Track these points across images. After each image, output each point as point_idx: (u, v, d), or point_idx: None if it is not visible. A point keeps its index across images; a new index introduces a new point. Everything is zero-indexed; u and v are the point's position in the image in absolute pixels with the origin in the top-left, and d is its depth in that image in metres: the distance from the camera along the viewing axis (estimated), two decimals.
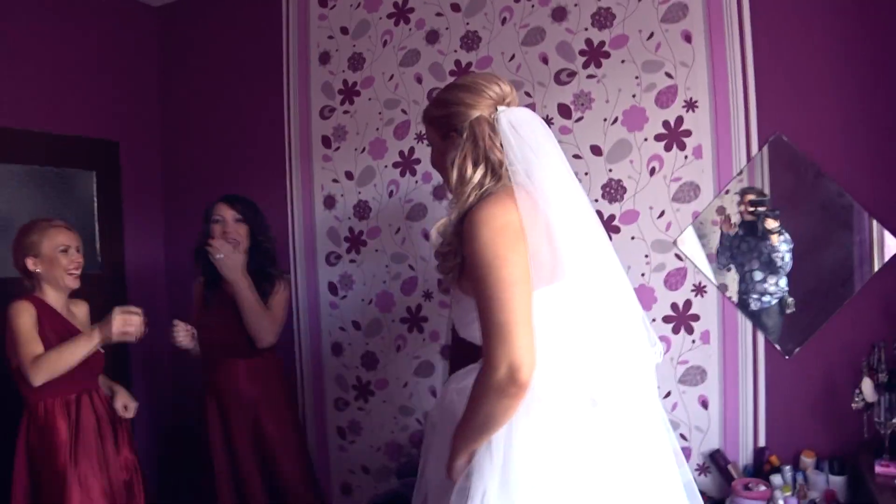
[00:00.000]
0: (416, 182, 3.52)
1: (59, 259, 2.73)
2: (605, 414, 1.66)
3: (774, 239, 2.99)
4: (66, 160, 3.68)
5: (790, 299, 2.99)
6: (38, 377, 2.56)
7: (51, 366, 2.58)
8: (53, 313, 2.77)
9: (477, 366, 1.66)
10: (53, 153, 3.58)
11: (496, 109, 1.73)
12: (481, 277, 1.56)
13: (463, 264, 1.69)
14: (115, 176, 3.95)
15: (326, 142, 3.77)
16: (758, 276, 3.03)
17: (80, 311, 2.96)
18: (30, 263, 2.71)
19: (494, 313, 1.53)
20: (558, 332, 1.61)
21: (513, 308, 1.52)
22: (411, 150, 3.55)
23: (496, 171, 1.70)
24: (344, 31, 3.71)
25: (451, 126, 1.76)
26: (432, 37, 3.52)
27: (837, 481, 2.80)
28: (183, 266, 4.11)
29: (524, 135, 1.69)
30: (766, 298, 3.04)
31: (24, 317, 2.64)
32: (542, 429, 1.62)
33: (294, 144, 3.86)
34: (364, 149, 3.68)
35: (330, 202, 3.78)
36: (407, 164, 3.57)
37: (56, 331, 2.72)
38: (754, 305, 3.05)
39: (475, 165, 1.69)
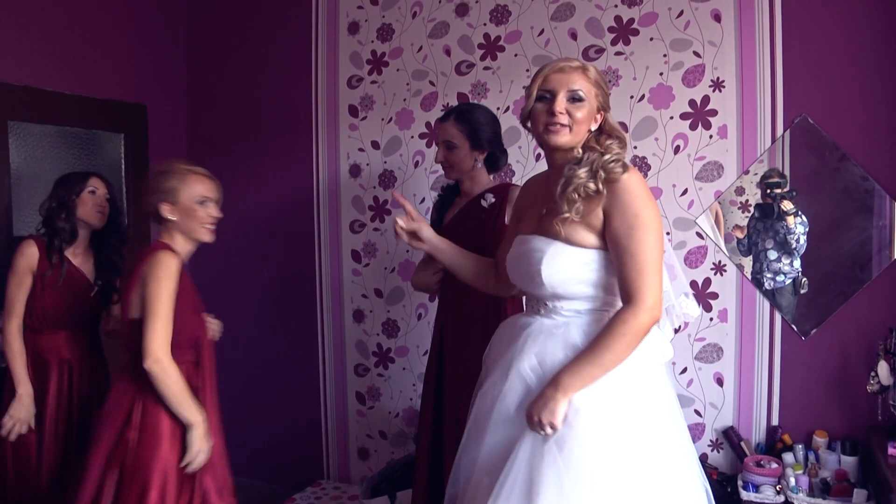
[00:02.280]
0: None
1: (197, 210, 2.42)
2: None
3: (790, 220, 3.02)
4: (96, 122, 3.73)
5: (804, 279, 3.02)
6: (164, 372, 2.24)
7: (172, 381, 2.26)
8: (184, 269, 2.46)
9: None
10: (84, 115, 3.63)
11: None
12: (640, 227, 1.80)
13: (586, 219, 1.88)
14: (143, 138, 4.00)
15: (353, 111, 3.80)
16: (772, 255, 3.07)
17: None
18: (165, 210, 2.39)
19: (643, 254, 1.79)
20: None
21: (657, 253, 1.83)
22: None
23: (621, 156, 1.92)
24: (373, 1, 3.72)
25: (602, 107, 1.94)
26: (462, 9, 3.53)
27: (849, 462, 2.85)
28: None
29: None
30: (779, 278, 3.07)
31: (173, 279, 2.30)
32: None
33: (321, 112, 3.89)
34: (391, 119, 3.71)
35: (355, 171, 3.82)
36: (433, 135, 3.59)
37: (186, 290, 2.41)
38: (768, 284, 3.09)
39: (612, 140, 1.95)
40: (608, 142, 1.91)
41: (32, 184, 3.36)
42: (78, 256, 2.91)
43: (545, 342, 1.90)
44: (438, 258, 2.30)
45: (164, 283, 2.27)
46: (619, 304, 1.86)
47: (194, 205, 2.41)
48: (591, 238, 1.88)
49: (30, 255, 2.77)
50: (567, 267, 1.89)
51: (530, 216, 2.07)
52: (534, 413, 1.79)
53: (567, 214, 1.86)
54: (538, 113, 1.91)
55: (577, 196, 1.86)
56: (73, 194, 2.82)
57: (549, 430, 1.77)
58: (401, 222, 2.22)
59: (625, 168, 1.86)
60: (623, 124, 3.24)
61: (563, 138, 1.89)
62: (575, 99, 1.88)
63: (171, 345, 2.25)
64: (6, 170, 3.24)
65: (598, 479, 1.73)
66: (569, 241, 1.89)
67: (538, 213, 2.03)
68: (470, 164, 2.72)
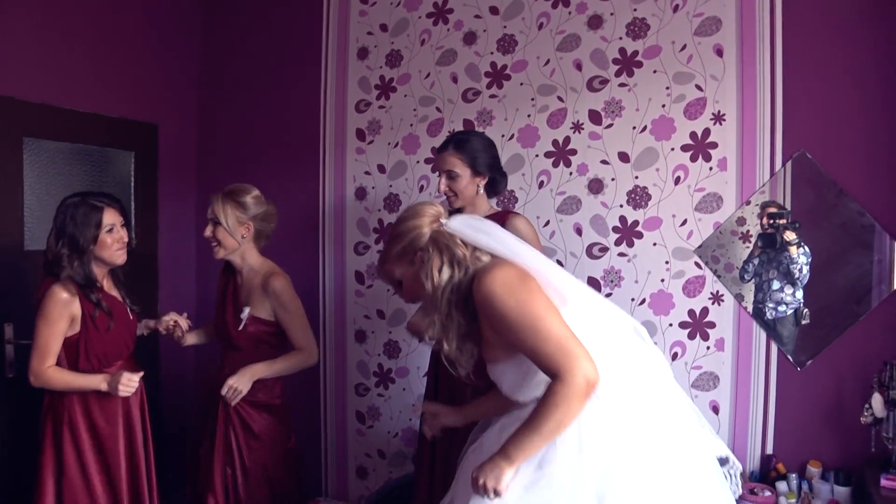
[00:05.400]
0: None
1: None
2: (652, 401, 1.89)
3: (793, 250, 3.06)
4: (108, 140, 3.78)
5: (805, 310, 3.07)
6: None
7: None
8: (228, 275, 3.01)
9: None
10: (96, 132, 3.69)
11: (440, 223, 1.96)
12: (517, 325, 1.76)
13: (484, 340, 1.93)
14: (153, 157, 4.06)
15: (361, 135, 3.87)
16: (775, 284, 3.11)
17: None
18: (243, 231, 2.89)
19: (548, 341, 1.73)
20: (585, 339, 1.78)
21: (558, 328, 1.74)
22: None
23: (462, 263, 1.90)
24: (383, 27, 3.80)
25: (414, 249, 1.95)
26: (470, 38, 3.61)
27: (842, 492, 2.88)
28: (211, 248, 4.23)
29: (478, 226, 1.97)
30: (781, 308, 3.11)
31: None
32: (609, 422, 1.82)
33: (329, 136, 3.95)
34: (397, 143, 3.78)
35: (361, 193, 3.88)
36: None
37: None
38: (770, 314, 3.13)
39: (442, 268, 1.90)
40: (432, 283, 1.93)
41: (45, 199, 3.42)
42: (110, 287, 2.83)
43: None
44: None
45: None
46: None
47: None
48: (501, 352, 1.91)
49: (65, 302, 2.59)
50: (516, 382, 1.92)
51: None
52: (479, 476, 1.80)
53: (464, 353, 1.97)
54: None
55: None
56: (89, 240, 2.63)
57: (492, 496, 1.78)
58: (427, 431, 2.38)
59: (474, 282, 1.88)
60: (625, 154, 3.30)
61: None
62: None
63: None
64: (20, 185, 3.30)
65: None
66: (495, 362, 1.95)
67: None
68: (473, 190, 2.78)
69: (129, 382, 2.58)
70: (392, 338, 3.85)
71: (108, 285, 2.80)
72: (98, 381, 2.60)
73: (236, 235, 2.84)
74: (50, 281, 2.62)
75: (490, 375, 2.00)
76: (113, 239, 2.68)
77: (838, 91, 3.01)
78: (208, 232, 2.86)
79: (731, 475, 1.95)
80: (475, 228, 1.95)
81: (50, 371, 2.59)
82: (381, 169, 3.82)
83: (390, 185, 3.80)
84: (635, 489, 1.75)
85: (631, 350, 1.93)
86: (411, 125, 3.74)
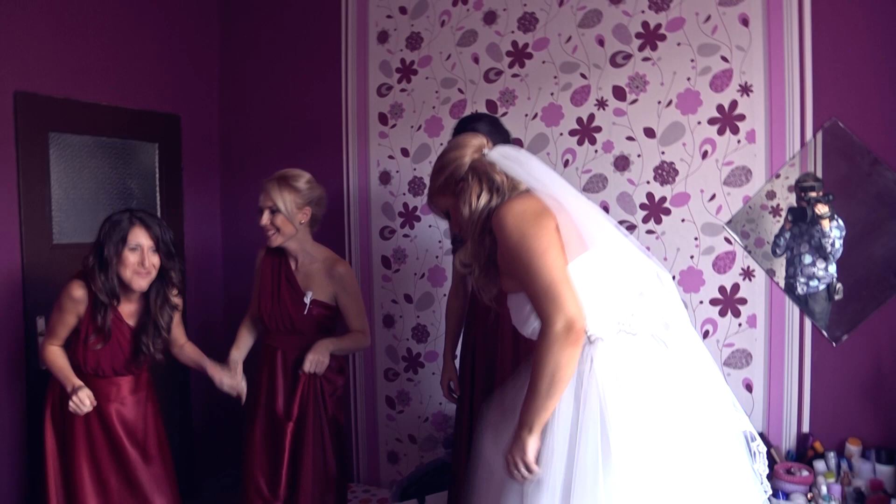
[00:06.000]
0: None
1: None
2: (667, 343, 1.87)
3: (825, 224, 2.99)
4: (132, 132, 3.80)
5: (839, 285, 3.00)
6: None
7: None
8: (279, 260, 2.98)
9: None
10: (120, 125, 3.70)
11: (482, 153, 1.98)
12: (517, 256, 1.78)
13: (497, 270, 1.94)
14: (177, 148, 4.07)
15: (383, 119, 3.85)
16: (807, 259, 3.05)
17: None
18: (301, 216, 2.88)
19: (538, 280, 1.73)
20: (601, 287, 1.81)
21: (551, 270, 1.73)
22: None
23: (501, 189, 1.92)
24: (402, 10, 3.77)
25: (455, 180, 1.98)
26: (490, 17, 3.56)
27: (885, 471, 2.81)
28: (237, 237, 4.25)
29: (515, 157, 1.97)
30: (813, 283, 3.05)
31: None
32: (617, 363, 1.79)
33: (351, 121, 3.94)
34: (420, 126, 3.75)
35: (385, 178, 3.86)
36: None
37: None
38: (801, 289, 3.07)
39: (480, 195, 1.93)
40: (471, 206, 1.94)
41: (71, 193, 3.45)
42: (132, 303, 2.72)
43: None
44: None
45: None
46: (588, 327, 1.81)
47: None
48: (513, 282, 1.89)
49: (77, 300, 2.59)
50: (523, 316, 1.91)
51: None
52: (507, 460, 1.80)
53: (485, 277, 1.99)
54: None
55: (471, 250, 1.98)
56: (114, 254, 2.56)
57: (523, 471, 1.76)
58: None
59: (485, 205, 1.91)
60: (650, 129, 3.25)
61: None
62: None
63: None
64: (47, 179, 3.32)
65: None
66: (510, 292, 1.94)
67: None
68: None
69: (80, 403, 2.52)
70: (420, 322, 3.84)
71: (128, 311, 2.70)
72: (68, 386, 2.58)
73: (295, 221, 2.82)
74: (77, 274, 2.64)
75: (509, 310, 2.01)
76: (135, 259, 2.57)
77: (870, 56, 2.93)
78: (266, 220, 2.82)
79: (758, 452, 1.90)
80: (510, 158, 1.96)
81: (50, 350, 2.65)
82: (405, 152, 3.80)
83: (414, 169, 3.78)
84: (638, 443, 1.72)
85: (648, 304, 1.89)
86: (434, 107, 3.71)
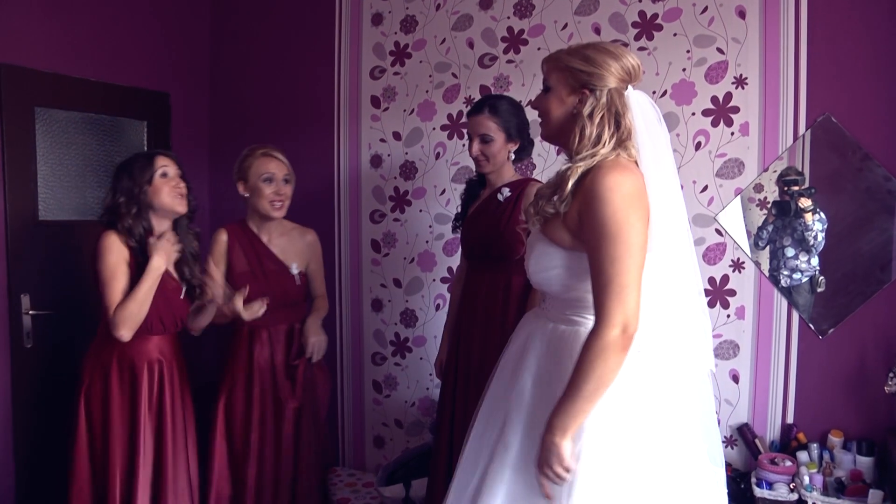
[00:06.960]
0: (464, 145, 3.56)
1: (262, 188, 2.89)
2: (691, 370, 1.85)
3: (808, 217, 3.01)
4: (120, 109, 3.75)
5: (821, 278, 3.02)
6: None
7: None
8: (249, 239, 3.00)
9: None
10: (108, 102, 3.65)
11: (627, 87, 1.78)
12: (608, 237, 1.64)
13: (566, 217, 1.78)
14: (165, 126, 4.02)
15: (376, 102, 3.82)
16: (790, 252, 3.07)
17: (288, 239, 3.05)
18: (240, 188, 2.93)
19: (618, 275, 1.63)
20: (648, 296, 1.71)
21: (632, 270, 1.64)
22: (459, 113, 3.59)
23: (623, 141, 1.77)
24: None
25: (586, 84, 1.79)
26: (486, 2, 3.53)
27: (865, 462, 2.85)
28: (226, 217, 4.21)
29: (647, 118, 1.78)
30: (796, 276, 3.07)
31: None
32: (654, 383, 1.78)
33: (343, 103, 3.91)
34: (413, 110, 3.72)
35: (376, 161, 3.84)
36: (455, 127, 3.61)
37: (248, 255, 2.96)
38: (784, 282, 3.09)
39: (609, 130, 1.76)
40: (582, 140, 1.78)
41: (57, 170, 3.40)
42: None
43: (541, 359, 1.89)
44: None
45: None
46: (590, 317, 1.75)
47: (260, 182, 2.86)
48: (567, 238, 1.78)
49: (119, 247, 2.54)
50: (545, 266, 1.84)
51: None
52: (541, 466, 1.71)
53: (547, 210, 1.83)
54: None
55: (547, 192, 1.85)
56: (143, 184, 2.57)
57: (564, 475, 1.68)
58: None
59: (598, 168, 1.73)
60: None
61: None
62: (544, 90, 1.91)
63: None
64: (33, 155, 3.27)
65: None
66: (550, 239, 1.82)
67: None
68: (504, 156, 2.74)
69: (166, 244, 2.60)
70: (409, 306, 3.83)
71: None
72: (154, 267, 2.54)
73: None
74: (103, 229, 2.58)
75: (527, 246, 1.94)
76: (168, 184, 2.62)
77: (864, 53, 2.94)
78: (288, 190, 2.98)
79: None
80: (645, 118, 1.78)
81: (120, 309, 2.50)
82: (397, 136, 3.77)
83: (406, 153, 3.76)
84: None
85: (680, 323, 1.81)
86: (427, 91, 3.69)
